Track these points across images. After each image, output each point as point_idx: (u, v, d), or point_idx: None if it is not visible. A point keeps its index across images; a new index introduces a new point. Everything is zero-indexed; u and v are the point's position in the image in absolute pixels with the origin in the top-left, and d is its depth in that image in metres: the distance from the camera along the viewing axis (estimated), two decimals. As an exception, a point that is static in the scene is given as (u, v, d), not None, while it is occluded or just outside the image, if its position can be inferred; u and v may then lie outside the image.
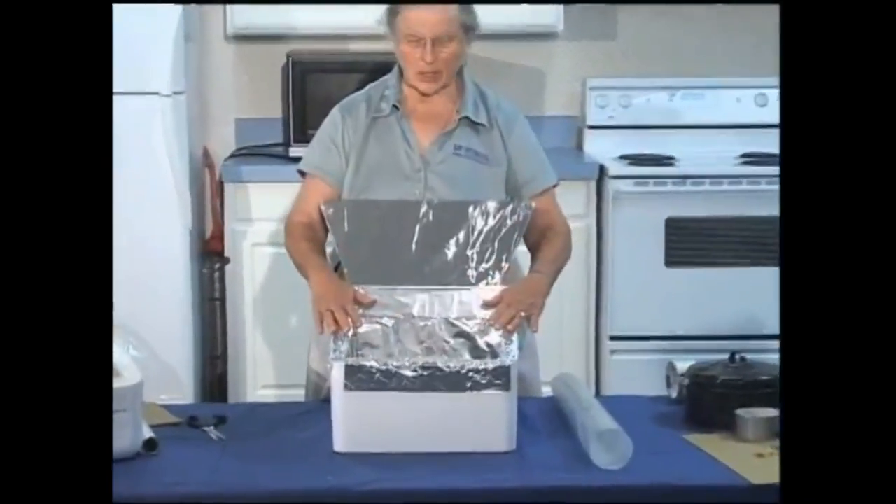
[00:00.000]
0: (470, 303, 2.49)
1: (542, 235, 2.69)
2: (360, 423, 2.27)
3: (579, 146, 4.41)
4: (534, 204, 2.58)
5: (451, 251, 2.53)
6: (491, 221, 2.54)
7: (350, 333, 2.39)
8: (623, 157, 4.17)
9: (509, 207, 2.55)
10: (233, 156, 4.23)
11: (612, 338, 4.06)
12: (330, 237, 2.61)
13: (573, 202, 3.81)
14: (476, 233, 2.54)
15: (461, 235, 2.54)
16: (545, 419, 2.45)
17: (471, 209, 2.55)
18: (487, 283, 2.51)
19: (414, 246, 2.53)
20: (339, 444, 2.28)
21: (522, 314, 2.46)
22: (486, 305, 2.46)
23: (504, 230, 2.54)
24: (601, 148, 4.27)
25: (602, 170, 4.05)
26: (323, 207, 2.58)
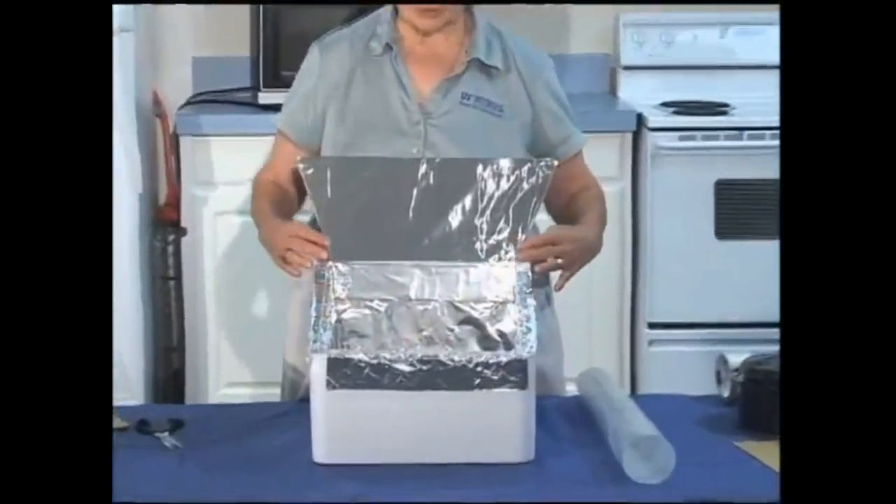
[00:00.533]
0: (478, 282, 2.51)
1: (572, 200, 2.71)
2: (345, 429, 2.28)
3: (612, 91, 4.41)
4: (556, 162, 2.59)
5: (455, 220, 2.55)
6: (504, 184, 2.55)
7: (328, 266, 2.44)
8: (665, 105, 4.18)
9: (526, 167, 2.56)
10: (189, 103, 4.24)
11: (651, 325, 4.08)
12: (308, 202, 2.63)
13: (604, 160, 3.82)
14: (486, 198, 2.55)
15: (468, 201, 2.55)
16: (569, 423, 2.47)
17: (479, 169, 2.56)
18: (500, 259, 2.53)
19: (411, 213, 2.54)
20: (321, 453, 2.29)
21: (559, 261, 2.49)
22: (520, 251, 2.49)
23: (520, 195, 2.55)
24: (639, 93, 4.27)
25: (640, 120, 4.06)
26: (301, 167, 2.58)
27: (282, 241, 2.54)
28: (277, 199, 2.69)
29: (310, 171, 2.56)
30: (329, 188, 2.55)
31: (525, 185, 2.55)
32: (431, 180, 2.55)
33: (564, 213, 2.73)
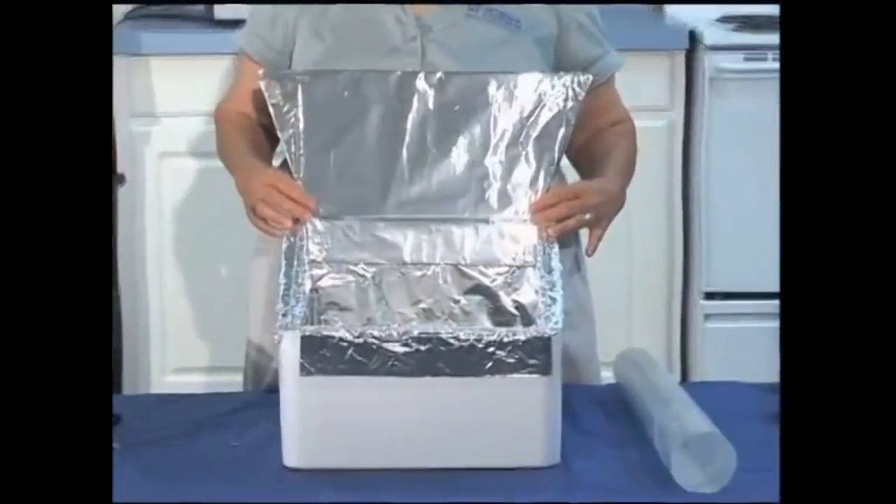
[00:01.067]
0: (490, 241, 2.51)
1: (597, 138, 2.72)
2: (323, 425, 2.29)
3: (658, 1, 4.41)
4: (591, 78, 2.57)
5: (461, 160, 2.54)
6: (523, 107, 2.54)
7: (307, 225, 2.45)
8: (726, 19, 4.18)
9: (549, 82, 2.54)
10: (128, 18, 4.24)
11: (708, 295, 4.10)
12: (280, 146, 2.62)
13: (649, 87, 3.83)
14: (500, 130, 2.55)
15: (477, 134, 2.55)
16: (604, 418, 2.48)
17: (492, 87, 2.54)
18: (517, 213, 2.53)
19: (405, 151, 2.54)
20: (293, 455, 2.30)
21: (587, 216, 2.50)
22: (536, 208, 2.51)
23: (542, 125, 2.55)
24: (689, 8, 4.27)
25: (693, 38, 4.06)
26: (263, 85, 2.57)
27: (256, 190, 2.54)
28: (251, 135, 2.69)
29: (277, 92, 2.55)
30: (301, 115, 2.54)
31: (550, 110, 2.54)
32: (431, 104, 2.54)
33: (584, 155, 2.73)
